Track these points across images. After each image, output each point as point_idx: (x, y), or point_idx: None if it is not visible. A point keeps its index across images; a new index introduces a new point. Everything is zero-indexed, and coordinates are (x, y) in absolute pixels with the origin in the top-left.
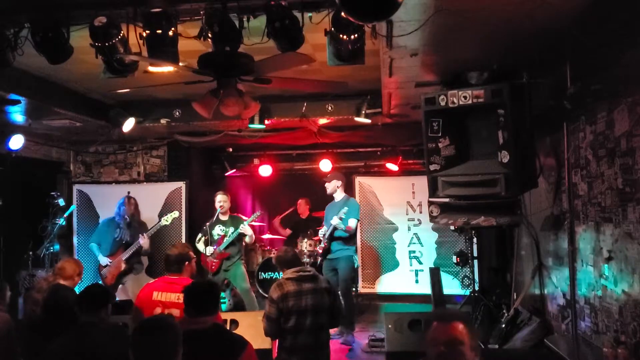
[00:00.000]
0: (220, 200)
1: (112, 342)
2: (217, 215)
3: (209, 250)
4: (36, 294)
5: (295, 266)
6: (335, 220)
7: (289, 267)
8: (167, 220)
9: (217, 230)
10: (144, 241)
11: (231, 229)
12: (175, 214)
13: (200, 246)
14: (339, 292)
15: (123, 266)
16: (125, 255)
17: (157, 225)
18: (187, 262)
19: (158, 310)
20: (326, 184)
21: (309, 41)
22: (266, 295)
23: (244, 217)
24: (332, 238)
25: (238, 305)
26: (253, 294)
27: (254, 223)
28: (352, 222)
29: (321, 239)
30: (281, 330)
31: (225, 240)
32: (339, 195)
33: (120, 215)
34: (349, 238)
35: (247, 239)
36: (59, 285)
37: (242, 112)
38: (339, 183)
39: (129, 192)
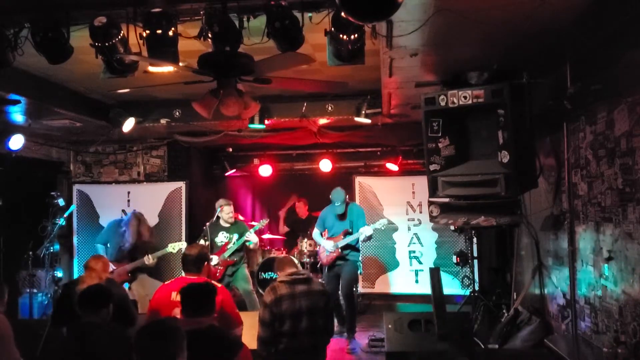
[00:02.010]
0: (227, 211)
1: (113, 342)
2: (220, 221)
3: (214, 259)
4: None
5: (290, 266)
6: (368, 231)
7: (283, 267)
8: (173, 248)
9: (221, 237)
10: (149, 262)
11: (235, 236)
12: (184, 244)
13: None
14: (342, 294)
15: (125, 277)
16: (129, 268)
17: (163, 251)
18: (206, 262)
19: (177, 311)
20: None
21: (309, 41)
22: None
23: (252, 223)
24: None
25: (238, 306)
26: (255, 295)
27: (254, 223)
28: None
29: (330, 249)
30: (276, 334)
31: (229, 248)
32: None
33: (128, 227)
34: (358, 245)
35: (251, 246)
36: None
37: (242, 112)
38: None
39: (129, 193)
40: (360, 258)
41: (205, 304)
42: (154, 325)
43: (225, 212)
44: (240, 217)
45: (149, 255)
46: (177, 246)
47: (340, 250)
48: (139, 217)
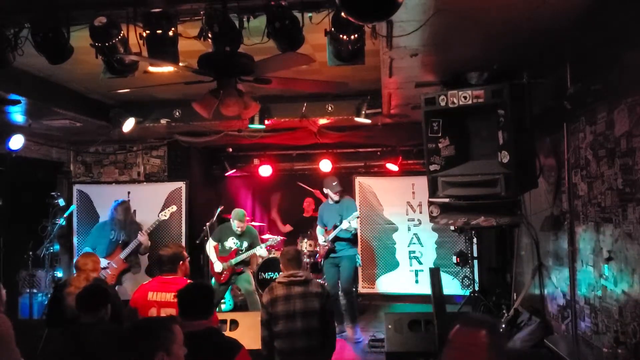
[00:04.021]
0: (236, 225)
1: (112, 342)
2: (231, 225)
3: (218, 266)
4: (75, 289)
5: (293, 267)
6: (345, 225)
7: (287, 266)
8: (165, 215)
9: (230, 243)
10: (143, 238)
11: (245, 244)
12: (174, 208)
13: (212, 254)
14: (342, 290)
15: (122, 265)
16: (124, 254)
17: (156, 221)
18: (181, 262)
19: (153, 311)
20: (333, 194)
21: (309, 41)
22: None
23: (259, 228)
24: (335, 238)
25: (240, 305)
26: (256, 296)
27: (254, 223)
28: (354, 223)
29: (321, 243)
30: (273, 334)
31: (237, 256)
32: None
33: (113, 219)
34: (353, 238)
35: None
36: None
37: (242, 112)
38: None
39: (129, 193)
40: (358, 252)
41: (203, 306)
42: (134, 324)
43: (234, 225)
44: (255, 224)
45: (142, 231)
46: (169, 211)
47: (330, 243)
48: (124, 202)
